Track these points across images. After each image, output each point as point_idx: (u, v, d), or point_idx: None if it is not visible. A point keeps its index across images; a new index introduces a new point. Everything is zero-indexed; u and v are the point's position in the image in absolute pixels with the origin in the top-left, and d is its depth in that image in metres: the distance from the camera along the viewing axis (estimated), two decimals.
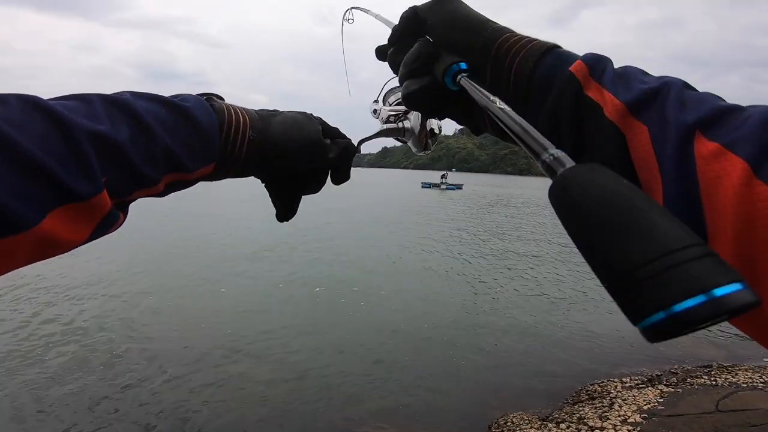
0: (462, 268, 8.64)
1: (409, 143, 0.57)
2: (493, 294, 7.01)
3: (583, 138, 0.34)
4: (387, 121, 0.58)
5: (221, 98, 0.48)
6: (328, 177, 0.53)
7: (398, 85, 0.50)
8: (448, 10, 0.42)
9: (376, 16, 0.59)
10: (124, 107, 0.36)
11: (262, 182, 0.52)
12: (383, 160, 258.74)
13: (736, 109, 0.29)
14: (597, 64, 0.35)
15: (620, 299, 0.20)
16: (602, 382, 4.37)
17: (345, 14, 0.67)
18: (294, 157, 0.48)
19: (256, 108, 0.51)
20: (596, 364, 4.81)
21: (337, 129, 0.53)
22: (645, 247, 0.20)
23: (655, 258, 0.19)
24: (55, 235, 0.31)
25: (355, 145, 0.53)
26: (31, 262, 0.33)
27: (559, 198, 0.24)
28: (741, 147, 0.26)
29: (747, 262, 0.25)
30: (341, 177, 0.53)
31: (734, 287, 0.18)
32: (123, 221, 0.39)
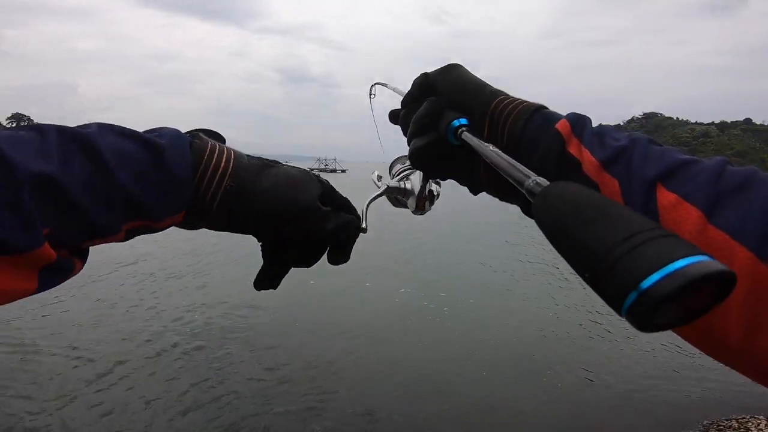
0: (573, 279, 7.68)
1: (408, 203, 0.59)
2: (603, 308, 6.12)
3: None
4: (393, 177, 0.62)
5: (221, 136, 0.44)
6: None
7: (405, 155, 0.55)
8: (454, 75, 0.47)
9: (395, 89, 0.64)
10: (84, 143, 0.33)
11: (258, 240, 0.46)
12: None
13: (691, 161, 0.33)
14: (578, 122, 0.40)
15: (600, 289, 0.22)
16: (742, 417, 3.57)
17: (370, 90, 0.76)
18: (279, 220, 0.42)
19: None
20: (738, 395, 3.96)
21: (346, 200, 0.48)
22: (613, 232, 0.22)
23: (622, 240, 0.21)
24: None
25: (362, 221, 0.48)
26: None
27: (539, 208, 0.27)
28: (695, 197, 0.31)
29: None
30: (339, 258, 0.47)
31: (699, 258, 0.19)
32: (80, 268, 0.36)
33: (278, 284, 0.48)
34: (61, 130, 0.33)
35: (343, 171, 75.38)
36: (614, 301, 0.21)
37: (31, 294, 0.33)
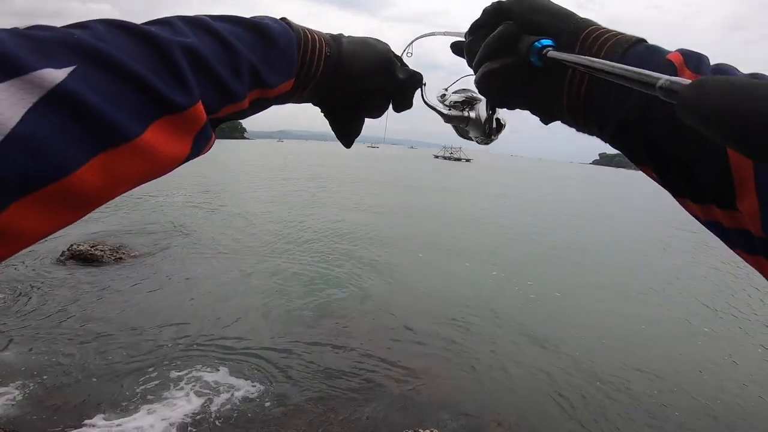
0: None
1: (471, 134, 0.59)
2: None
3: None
4: (452, 107, 0.59)
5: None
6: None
7: (460, 88, 0.58)
8: (535, 0, 0.45)
9: (445, 33, 0.60)
10: (205, 26, 0.38)
11: (323, 108, 0.54)
12: None
13: None
14: (693, 56, 0.36)
15: None
16: None
17: (405, 50, 0.65)
18: (367, 72, 0.50)
19: None
20: None
21: (401, 57, 0.55)
22: None
23: None
24: (157, 147, 0.32)
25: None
26: (139, 181, 0.33)
27: (693, 99, 0.23)
28: None
29: None
30: (405, 103, 0.56)
31: None
32: (214, 141, 0.40)
33: (357, 135, 0.56)
34: (181, 18, 0.37)
35: (468, 160, 74.69)
36: None
37: (184, 160, 0.37)
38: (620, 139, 0.40)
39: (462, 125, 0.58)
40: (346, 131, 0.55)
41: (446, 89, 0.61)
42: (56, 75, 0.26)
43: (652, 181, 0.40)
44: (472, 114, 0.57)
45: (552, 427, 3.67)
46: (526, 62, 0.42)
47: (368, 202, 13.60)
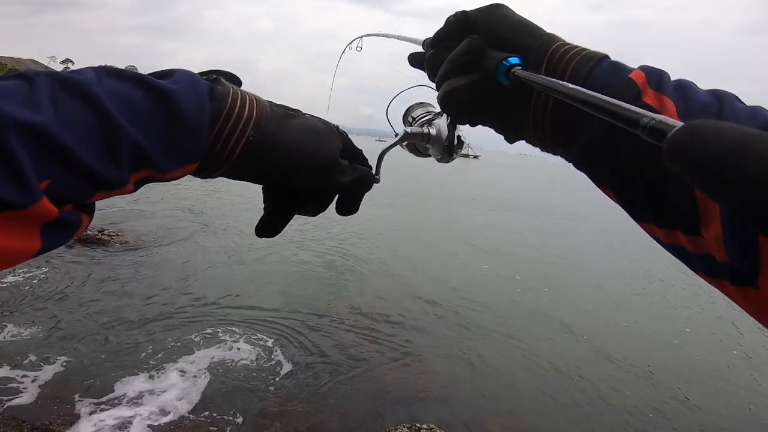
0: None
1: (431, 151, 0.56)
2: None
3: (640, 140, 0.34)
4: (412, 124, 0.57)
5: (237, 79, 0.41)
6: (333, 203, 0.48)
7: (419, 101, 0.56)
8: (502, 14, 0.43)
9: (398, 37, 0.56)
10: (79, 90, 0.30)
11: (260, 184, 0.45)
12: None
13: None
14: (654, 73, 0.36)
15: None
16: None
17: (352, 43, 0.61)
18: (299, 173, 0.41)
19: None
20: None
21: (360, 152, 0.47)
22: None
23: None
24: None
25: (374, 171, 0.49)
26: None
27: (684, 145, 0.21)
28: None
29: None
30: (349, 209, 0.47)
31: None
32: (88, 223, 0.34)
33: (280, 232, 0.47)
34: (52, 77, 0.30)
35: (476, 157, 74.31)
36: None
37: (37, 254, 0.30)
38: (586, 160, 0.39)
39: (423, 142, 0.56)
40: (269, 224, 0.46)
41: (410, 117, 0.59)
42: None
43: None
44: (433, 131, 0.55)
45: (550, 421, 3.68)
46: (493, 80, 0.40)
47: (372, 200, 14.32)
